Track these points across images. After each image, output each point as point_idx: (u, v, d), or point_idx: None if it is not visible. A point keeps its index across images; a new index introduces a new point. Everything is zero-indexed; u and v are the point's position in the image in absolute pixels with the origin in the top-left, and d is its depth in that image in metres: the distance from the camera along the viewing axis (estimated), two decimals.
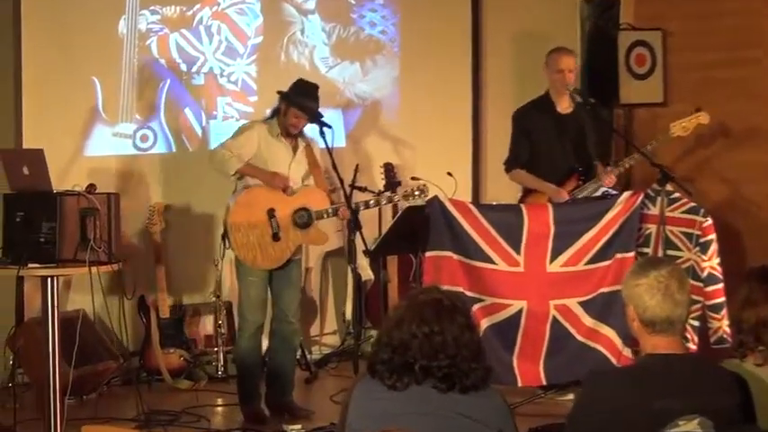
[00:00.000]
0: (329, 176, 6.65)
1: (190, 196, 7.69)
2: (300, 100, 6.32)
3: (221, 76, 7.86)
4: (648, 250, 6.24)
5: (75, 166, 7.28)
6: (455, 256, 5.99)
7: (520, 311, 6.10)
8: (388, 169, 7.84)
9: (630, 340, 5.90)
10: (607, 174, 6.79)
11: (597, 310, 6.14)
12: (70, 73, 7.40)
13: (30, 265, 5.44)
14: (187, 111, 7.79)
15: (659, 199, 6.25)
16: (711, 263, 6.16)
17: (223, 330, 7.47)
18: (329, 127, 6.30)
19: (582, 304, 6.14)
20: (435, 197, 6.17)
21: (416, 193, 6.61)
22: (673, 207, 6.26)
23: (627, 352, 6.06)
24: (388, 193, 6.95)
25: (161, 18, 7.67)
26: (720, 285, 6.15)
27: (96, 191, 5.76)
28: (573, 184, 6.82)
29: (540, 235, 6.11)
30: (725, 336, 6.09)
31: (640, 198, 6.24)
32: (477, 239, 6.03)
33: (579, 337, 6.15)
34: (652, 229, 6.27)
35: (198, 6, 7.79)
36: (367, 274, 7.93)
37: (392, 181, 7.74)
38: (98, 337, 7.00)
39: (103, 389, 7.01)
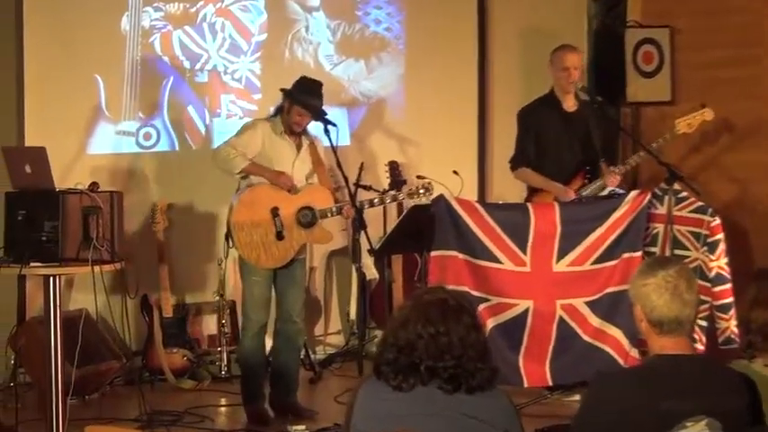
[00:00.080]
0: (334, 175, 6.62)
1: (193, 194, 7.68)
2: (304, 97, 6.30)
3: (225, 73, 7.84)
4: (656, 250, 6.22)
5: (77, 164, 7.27)
6: (460, 256, 5.97)
7: (526, 311, 6.08)
8: (393, 168, 7.83)
9: (637, 341, 5.88)
10: (611, 174, 6.76)
11: (604, 311, 6.12)
12: (73, 70, 7.39)
13: (32, 264, 5.42)
14: (190, 108, 7.77)
15: (667, 198, 6.23)
16: (719, 262, 6.14)
17: (226, 330, 7.46)
18: (334, 125, 6.29)
19: (588, 304, 6.12)
20: (441, 196, 6.14)
21: (421, 191, 6.59)
22: (680, 206, 6.23)
23: (634, 352, 6.05)
24: (392, 192, 6.91)
25: (164, 15, 7.65)
26: (728, 285, 6.13)
27: (99, 189, 5.74)
28: (579, 183, 6.79)
29: (546, 234, 6.09)
30: (733, 336, 6.06)
31: (648, 197, 6.21)
32: (483, 239, 6.00)
33: (586, 338, 6.13)
34: (659, 228, 6.25)
35: (201, 3, 7.77)
36: (372, 273, 7.90)
37: (397, 179, 7.72)
38: (100, 336, 6.99)
39: (106, 389, 7.00)
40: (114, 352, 7.01)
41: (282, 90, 6.38)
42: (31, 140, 7.08)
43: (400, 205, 7.43)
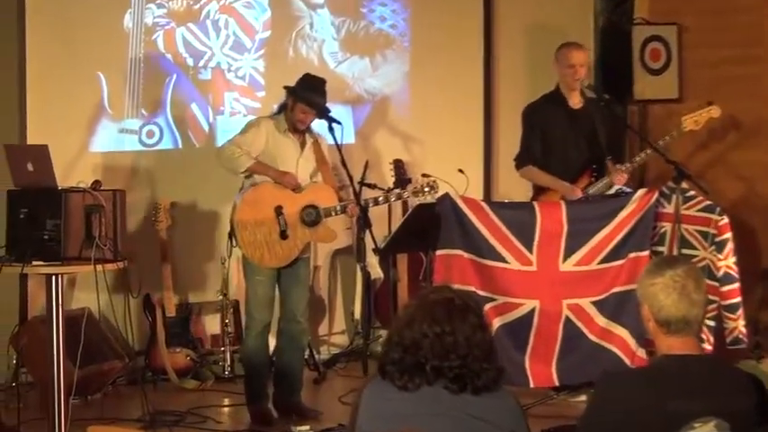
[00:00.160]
0: (338, 173, 6.60)
1: (196, 193, 7.66)
2: (307, 95, 6.28)
3: (228, 71, 7.82)
4: (663, 249, 6.19)
5: (80, 163, 7.27)
6: (466, 255, 5.93)
7: (532, 311, 6.04)
8: (398, 166, 7.82)
9: (644, 341, 5.85)
10: (618, 172, 6.72)
11: (610, 310, 6.08)
12: (75, 68, 7.37)
13: (34, 263, 5.41)
14: (194, 106, 7.76)
15: (674, 197, 6.19)
16: (727, 262, 6.09)
17: (230, 329, 7.44)
18: (338, 123, 6.27)
19: (595, 304, 6.09)
20: (446, 194, 6.11)
21: (426, 189, 6.55)
22: (688, 205, 6.19)
23: (641, 353, 6.01)
24: (397, 190, 6.87)
25: (167, 12, 7.64)
26: (736, 285, 6.08)
27: (102, 187, 5.70)
28: (586, 182, 6.76)
29: (553, 233, 6.05)
30: (741, 336, 6.00)
31: (655, 196, 6.17)
32: (488, 238, 5.97)
33: (592, 338, 6.09)
34: (667, 227, 6.21)
35: (205, 0, 7.73)
36: (376, 272, 7.90)
37: (402, 178, 7.71)
38: (103, 335, 6.97)
39: (108, 389, 6.99)
40: (117, 351, 6.99)
41: (286, 87, 6.36)
42: (33, 138, 7.07)
43: (405, 204, 7.40)
